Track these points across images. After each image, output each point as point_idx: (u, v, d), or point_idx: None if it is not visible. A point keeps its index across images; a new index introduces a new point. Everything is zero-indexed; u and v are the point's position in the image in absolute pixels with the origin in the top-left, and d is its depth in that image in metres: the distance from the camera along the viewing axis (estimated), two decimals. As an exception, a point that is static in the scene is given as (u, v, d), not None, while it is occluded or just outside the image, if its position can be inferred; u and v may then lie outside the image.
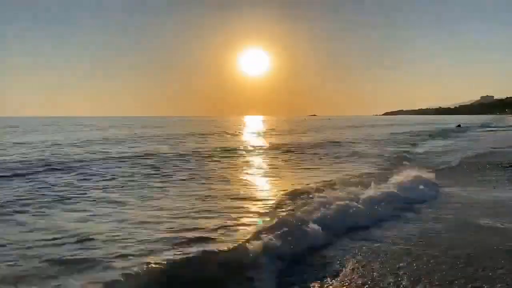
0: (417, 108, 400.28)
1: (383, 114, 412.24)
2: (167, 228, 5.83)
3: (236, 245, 4.84)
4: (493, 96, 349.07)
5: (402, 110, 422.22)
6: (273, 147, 21.73)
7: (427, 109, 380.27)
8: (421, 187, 8.80)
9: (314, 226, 5.74)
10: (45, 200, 7.79)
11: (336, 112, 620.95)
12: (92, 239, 5.30)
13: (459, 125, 51.71)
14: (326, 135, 35.33)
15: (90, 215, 6.70)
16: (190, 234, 5.46)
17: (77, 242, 5.19)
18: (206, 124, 73.23)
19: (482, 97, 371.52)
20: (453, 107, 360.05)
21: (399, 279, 4.23)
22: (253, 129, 49.67)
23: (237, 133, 40.70)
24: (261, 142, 27.03)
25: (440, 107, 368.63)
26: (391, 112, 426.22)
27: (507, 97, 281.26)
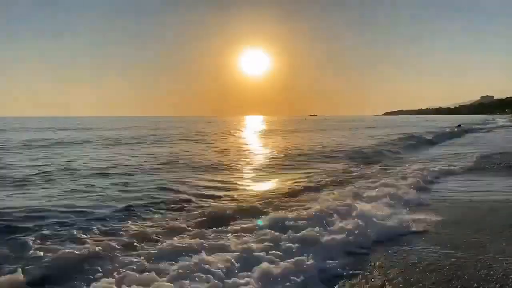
0: (417, 108, 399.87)
1: (383, 114, 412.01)
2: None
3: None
4: (493, 96, 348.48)
5: (402, 110, 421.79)
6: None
7: (427, 109, 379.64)
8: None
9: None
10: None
11: (336, 112, 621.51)
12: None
13: (459, 125, 51.68)
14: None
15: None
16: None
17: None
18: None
19: (482, 97, 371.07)
20: (453, 107, 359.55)
21: None
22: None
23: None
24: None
25: (440, 107, 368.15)
26: (391, 112, 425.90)
27: (507, 97, 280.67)
